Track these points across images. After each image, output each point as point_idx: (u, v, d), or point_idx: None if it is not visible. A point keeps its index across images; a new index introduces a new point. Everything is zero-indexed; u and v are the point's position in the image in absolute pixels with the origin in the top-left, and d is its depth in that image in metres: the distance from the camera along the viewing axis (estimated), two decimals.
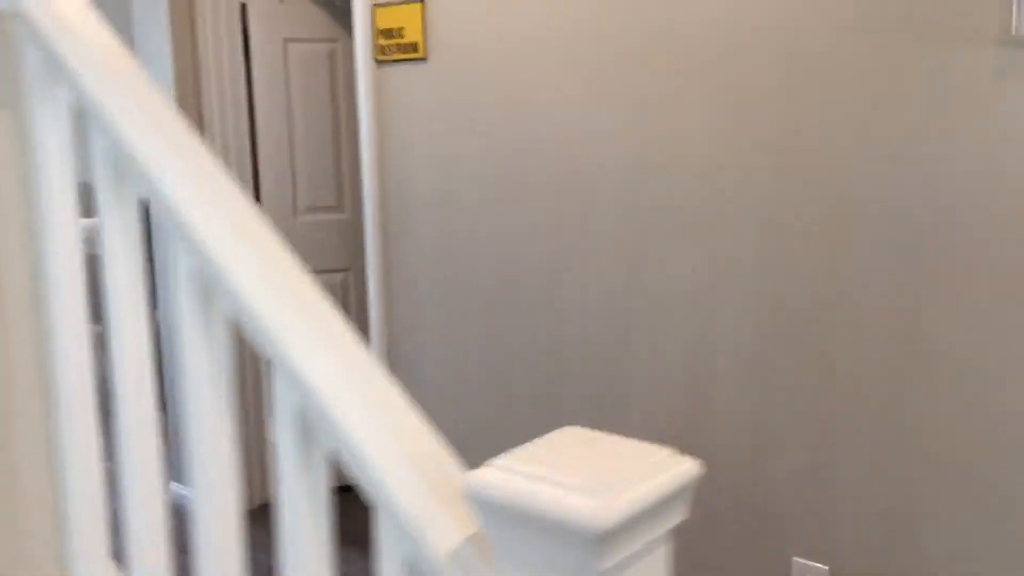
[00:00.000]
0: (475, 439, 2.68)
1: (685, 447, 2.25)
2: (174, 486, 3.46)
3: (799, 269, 2.02)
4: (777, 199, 2.04)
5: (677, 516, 0.63)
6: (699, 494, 2.24)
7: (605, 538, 0.56)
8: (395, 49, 2.64)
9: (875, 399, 1.96)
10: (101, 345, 4.62)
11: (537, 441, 0.64)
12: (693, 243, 2.17)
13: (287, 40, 3.34)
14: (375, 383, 0.74)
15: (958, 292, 1.84)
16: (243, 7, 3.26)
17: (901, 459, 1.94)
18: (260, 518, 3.34)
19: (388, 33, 2.65)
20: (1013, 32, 1.72)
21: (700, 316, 2.18)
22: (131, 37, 4.55)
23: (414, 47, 2.60)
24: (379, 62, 2.71)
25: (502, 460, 0.62)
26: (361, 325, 3.61)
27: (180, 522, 3.25)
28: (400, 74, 2.66)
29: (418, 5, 2.58)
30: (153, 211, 0.95)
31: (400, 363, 2.83)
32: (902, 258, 1.89)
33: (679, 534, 2.26)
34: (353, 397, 0.74)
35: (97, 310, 4.43)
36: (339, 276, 3.55)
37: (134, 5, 3.25)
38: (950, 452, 1.88)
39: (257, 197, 3.38)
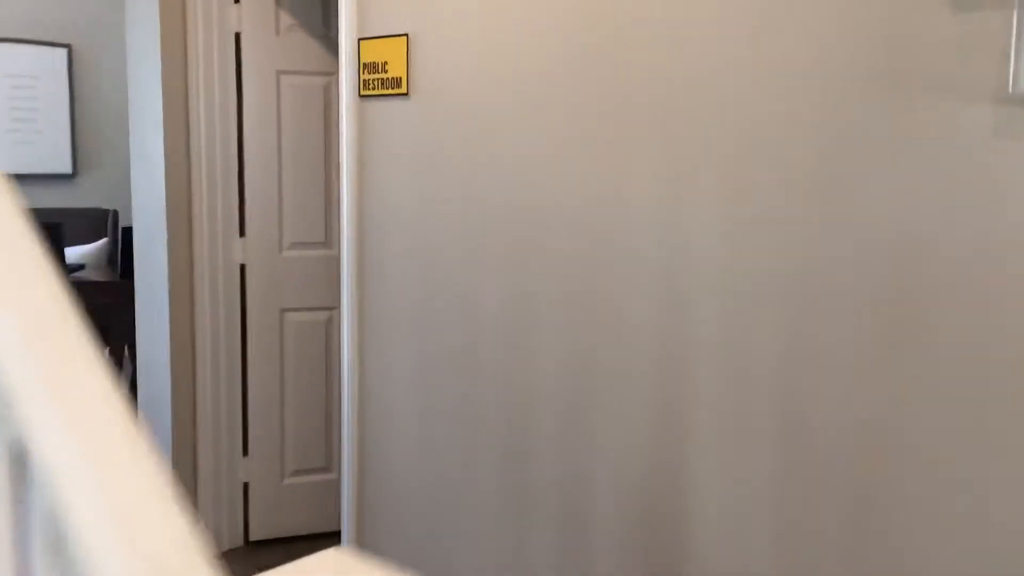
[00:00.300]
0: (441, 492, 2.54)
1: (659, 531, 2.10)
2: None
3: (763, 344, 1.89)
4: (740, 267, 1.91)
5: None
6: None
7: None
8: (379, 84, 2.56)
9: (845, 493, 1.81)
10: None
11: (290, 567, 0.52)
12: (657, 301, 2.04)
13: (280, 72, 3.28)
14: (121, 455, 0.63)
15: (938, 388, 1.69)
16: (237, 36, 3.21)
17: (867, 559, 1.78)
18: None
19: (372, 67, 2.57)
20: (1010, 90, 1.60)
21: (667, 380, 2.05)
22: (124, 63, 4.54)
23: (397, 82, 2.52)
24: (363, 96, 2.63)
25: None
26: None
27: None
28: (383, 109, 2.58)
29: (402, 39, 2.50)
30: None
31: (371, 403, 2.71)
32: (872, 342, 1.75)
33: None
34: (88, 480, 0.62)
35: None
36: (325, 314, 3.45)
37: (128, 31, 3.21)
38: (921, 553, 1.72)
39: (242, 231, 3.30)
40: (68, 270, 4.59)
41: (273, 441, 3.43)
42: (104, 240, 5.14)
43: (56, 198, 6.06)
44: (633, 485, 2.14)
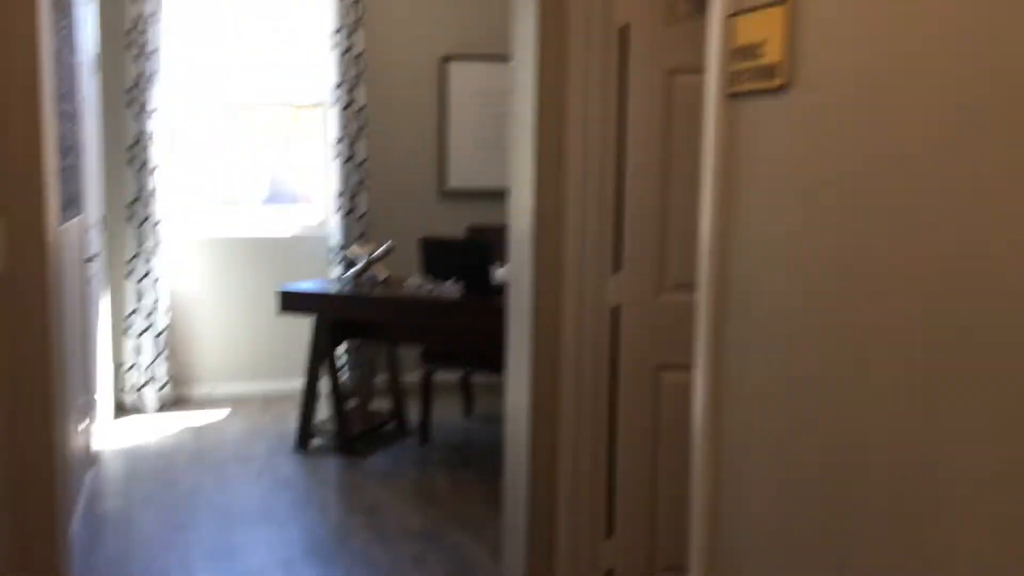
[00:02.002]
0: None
1: None
2: None
3: None
4: None
5: None
6: None
7: None
8: (751, 75, 1.78)
9: None
10: None
11: None
12: None
13: (672, 71, 2.62)
14: None
15: None
16: (622, 31, 2.63)
17: None
18: None
19: (745, 52, 1.80)
20: None
21: None
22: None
23: (772, 71, 1.72)
24: (732, 96, 1.87)
25: None
26: None
27: None
28: (755, 110, 1.80)
29: (778, 9, 1.69)
30: None
31: (725, 485, 1.94)
32: None
33: None
34: None
35: None
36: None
37: (514, 24, 2.82)
38: None
39: (616, 265, 2.72)
40: (493, 290, 4.44)
41: (642, 524, 2.80)
42: None
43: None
44: None
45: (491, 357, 4.55)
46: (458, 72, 5.82)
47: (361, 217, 5.58)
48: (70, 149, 3.17)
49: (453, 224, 5.92)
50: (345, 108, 5.47)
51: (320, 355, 4.57)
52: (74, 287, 3.60)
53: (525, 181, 2.79)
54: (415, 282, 4.41)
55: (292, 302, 4.54)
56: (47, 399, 2.26)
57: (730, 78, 1.86)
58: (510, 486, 3.00)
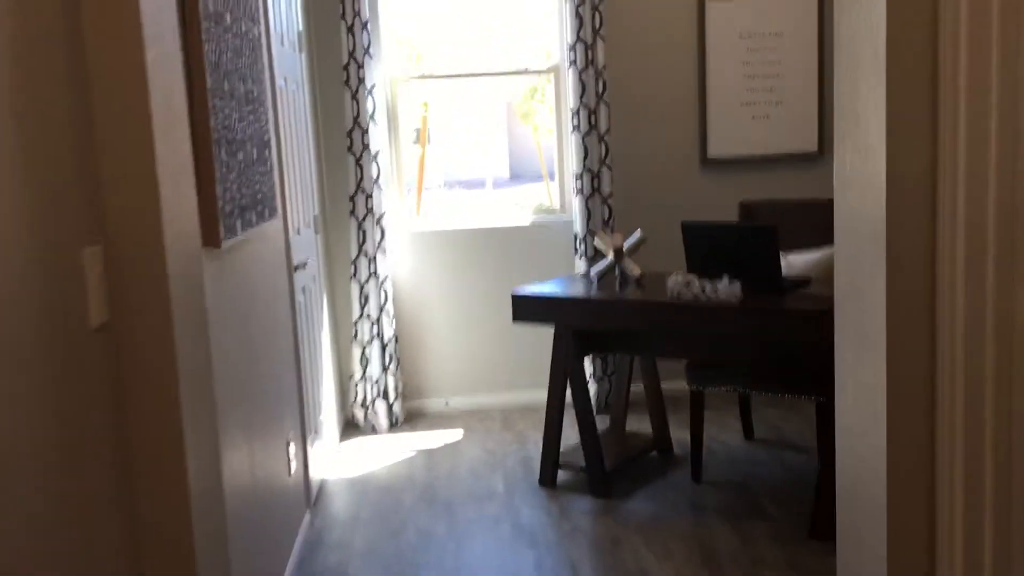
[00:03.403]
0: None
1: None
2: None
3: None
4: None
5: None
6: None
7: None
8: None
9: None
10: None
11: None
12: None
13: None
14: None
15: None
16: None
17: None
18: None
19: None
20: None
21: None
22: None
23: None
24: None
25: None
26: None
27: None
28: None
29: None
30: None
31: None
32: None
33: None
34: None
35: None
36: None
37: None
38: None
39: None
40: (782, 287, 3.40)
41: None
42: None
43: (798, 185, 4.94)
44: None
45: (781, 373, 3.51)
46: (718, 13, 4.76)
47: (607, 198, 4.69)
48: (243, 143, 2.51)
49: (719, 201, 4.89)
50: (583, 70, 4.59)
51: (563, 372, 3.75)
52: (268, 302, 2.99)
53: (871, 134, 1.78)
54: (678, 281, 3.46)
55: (527, 309, 3.74)
56: (174, 465, 1.56)
57: None
58: (848, 557, 2.00)
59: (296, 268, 3.56)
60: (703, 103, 4.81)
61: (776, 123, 4.84)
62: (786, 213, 4.10)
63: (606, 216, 4.70)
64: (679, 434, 4.32)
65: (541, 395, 4.95)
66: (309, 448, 3.64)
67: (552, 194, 5.02)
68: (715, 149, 4.85)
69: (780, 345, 3.30)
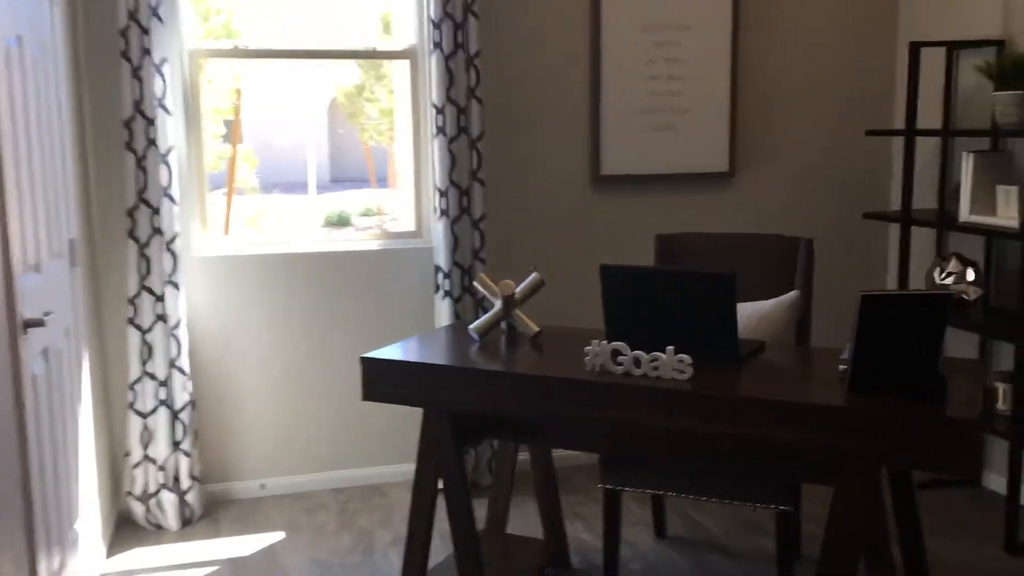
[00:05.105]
0: None
1: None
2: None
3: None
4: None
5: None
6: None
7: None
8: None
9: None
10: None
11: None
12: None
13: None
14: None
15: None
16: None
17: None
18: None
19: None
20: None
21: None
22: None
23: None
24: None
25: None
26: None
27: None
28: None
29: None
30: None
31: None
32: None
33: None
34: None
35: None
36: None
37: None
38: None
39: None
40: (738, 356, 2.49)
41: None
42: (793, 295, 2.96)
43: (707, 211, 4.09)
44: None
45: (737, 476, 2.60)
46: None
47: (479, 221, 3.66)
48: None
49: (616, 230, 3.96)
50: (450, 56, 3.54)
51: (432, 477, 2.67)
52: None
53: None
54: (601, 351, 2.47)
55: (384, 382, 2.63)
56: None
57: None
58: None
59: (28, 325, 2.31)
60: (596, 109, 3.86)
61: (681, 136, 3.96)
62: (722, 250, 3.21)
63: (477, 245, 3.66)
64: (577, 534, 3.34)
65: (389, 472, 3.85)
66: (47, 574, 2.39)
67: (406, 211, 3.93)
68: (610, 165, 3.91)
69: (749, 441, 2.37)
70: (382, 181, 17.15)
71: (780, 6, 4.03)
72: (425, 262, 3.77)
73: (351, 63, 15.28)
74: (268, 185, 14.69)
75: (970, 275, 3.47)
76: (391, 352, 2.69)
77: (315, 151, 15.93)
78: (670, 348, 2.38)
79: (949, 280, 3.50)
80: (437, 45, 3.52)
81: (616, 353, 2.44)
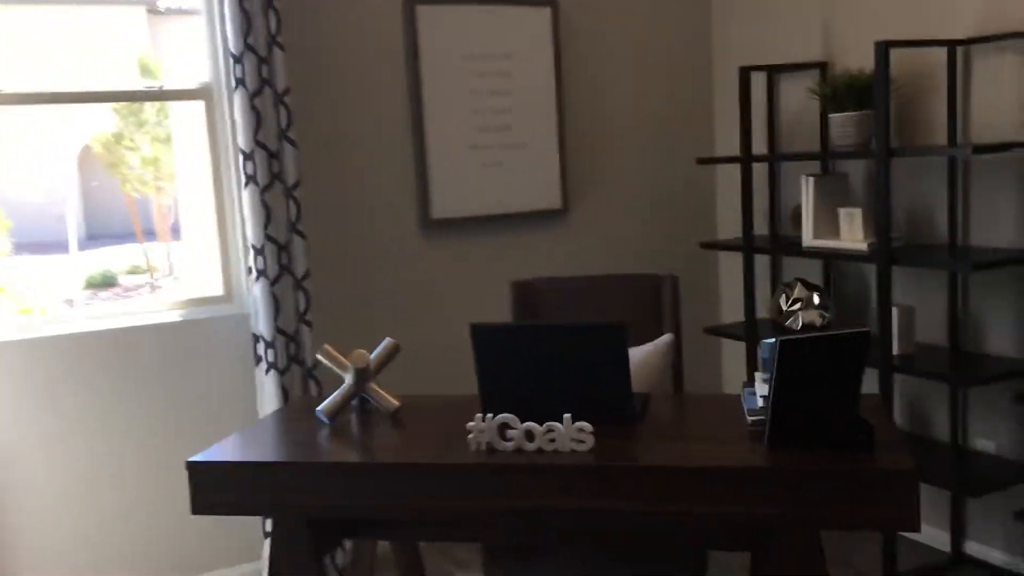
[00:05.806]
0: None
1: None
2: None
3: None
4: None
5: None
6: None
7: None
8: None
9: None
10: None
11: None
12: None
13: None
14: None
15: None
16: None
17: None
18: None
19: None
20: None
21: None
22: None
23: None
24: None
25: None
26: None
27: None
28: None
29: None
30: None
31: None
32: None
33: None
34: None
35: None
36: None
37: None
38: None
39: None
40: (634, 413, 2.22)
41: None
42: (667, 338, 2.74)
43: (544, 251, 3.85)
44: None
45: (639, 552, 2.32)
46: (433, 23, 3.53)
47: (302, 280, 3.20)
48: None
49: (453, 281, 3.63)
50: (256, 94, 3.08)
51: None
52: None
53: None
54: (486, 429, 2.11)
55: (213, 492, 2.14)
56: None
57: None
58: None
59: None
60: (421, 148, 3.53)
61: (512, 173, 3.70)
62: (581, 294, 2.95)
63: (302, 307, 3.20)
64: None
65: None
66: None
67: (209, 270, 3.39)
68: (440, 208, 3.58)
69: (661, 515, 2.09)
70: (149, 235, 15.87)
71: (601, 34, 3.88)
72: (240, 331, 3.25)
73: (106, 109, 14.05)
74: (21, 246, 13.17)
75: (816, 300, 3.43)
76: (222, 451, 2.19)
77: (69, 205, 14.49)
78: (567, 416, 2.07)
79: (796, 307, 3.44)
80: (240, 82, 3.06)
81: (504, 427, 2.10)
